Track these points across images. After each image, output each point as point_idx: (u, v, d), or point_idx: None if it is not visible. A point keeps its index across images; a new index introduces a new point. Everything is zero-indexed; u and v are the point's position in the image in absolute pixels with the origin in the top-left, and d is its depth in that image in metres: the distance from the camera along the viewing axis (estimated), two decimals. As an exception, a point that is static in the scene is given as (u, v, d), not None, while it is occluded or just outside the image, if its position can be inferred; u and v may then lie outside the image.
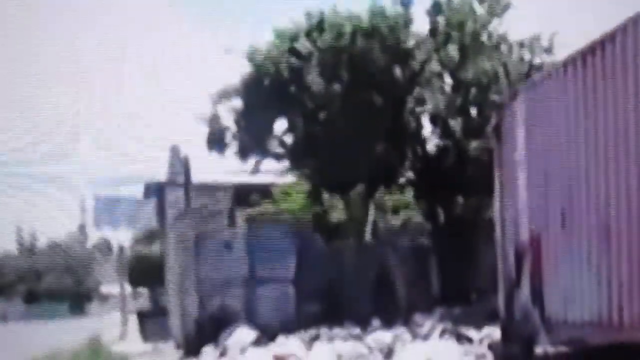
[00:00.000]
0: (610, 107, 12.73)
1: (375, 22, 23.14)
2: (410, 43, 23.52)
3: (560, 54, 20.63)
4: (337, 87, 22.91)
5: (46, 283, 37.30)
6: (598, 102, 13.04)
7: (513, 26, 24.10)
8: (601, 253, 12.85)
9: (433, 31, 23.74)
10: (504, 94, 20.32)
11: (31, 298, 37.86)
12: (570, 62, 13.98)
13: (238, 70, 24.03)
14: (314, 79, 22.91)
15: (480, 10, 23.78)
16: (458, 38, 23.36)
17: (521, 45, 23.80)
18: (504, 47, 23.64)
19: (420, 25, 23.91)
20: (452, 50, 23.28)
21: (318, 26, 23.28)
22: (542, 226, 14.69)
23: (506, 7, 23.73)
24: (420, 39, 23.65)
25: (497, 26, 23.91)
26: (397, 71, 23.24)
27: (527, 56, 23.79)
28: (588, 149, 13.26)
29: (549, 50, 23.60)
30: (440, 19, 23.72)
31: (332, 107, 22.99)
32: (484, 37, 23.48)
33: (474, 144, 22.50)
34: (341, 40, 22.99)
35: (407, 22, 23.59)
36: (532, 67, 23.14)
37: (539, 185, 14.79)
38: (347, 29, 22.99)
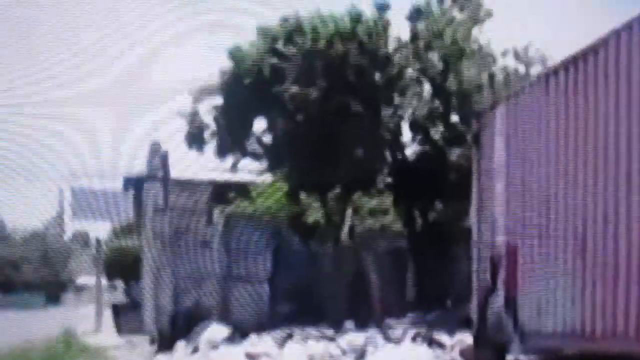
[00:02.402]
0: (589, 120, 12.73)
1: (353, 25, 23.08)
2: (390, 48, 23.50)
3: (547, 65, 20.64)
4: (313, 90, 22.85)
5: (23, 273, 37.24)
6: (577, 114, 13.05)
7: (498, 36, 24.18)
8: (576, 264, 12.85)
9: (413, 37, 23.70)
10: (485, 102, 20.32)
11: (8, 288, 37.77)
12: (551, 73, 14.03)
13: (219, 68, 24.02)
14: (292, 81, 22.86)
15: (460, 17, 23.74)
16: (439, 45, 23.36)
17: (506, 55, 23.85)
18: (488, 56, 23.61)
19: (402, 31, 23.92)
20: (434, 57, 23.29)
21: (298, 28, 23.19)
22: (518, 236, 14.72)
23: (487, 15, 23.69)
24: (400, 45, 23.62)
25: (481, 35, 23.91)
26: (376, 76, 23.23)
27: (511, 66, 23.83)
28: (566, 161, 13.28)
29: (534, 61, 23.63)
30: (421, 26, 23.69)
31: (309, 109, 22.95)
32: (467, 45, 23.43)
33: (454, 152, 22.53)
34: (318, 44, 22.94)
35: (385, 26, 23.53)
36: (516, 77, 23.15)
37: (516, 195, 14.81)
38: (324, 31, 22.92)
